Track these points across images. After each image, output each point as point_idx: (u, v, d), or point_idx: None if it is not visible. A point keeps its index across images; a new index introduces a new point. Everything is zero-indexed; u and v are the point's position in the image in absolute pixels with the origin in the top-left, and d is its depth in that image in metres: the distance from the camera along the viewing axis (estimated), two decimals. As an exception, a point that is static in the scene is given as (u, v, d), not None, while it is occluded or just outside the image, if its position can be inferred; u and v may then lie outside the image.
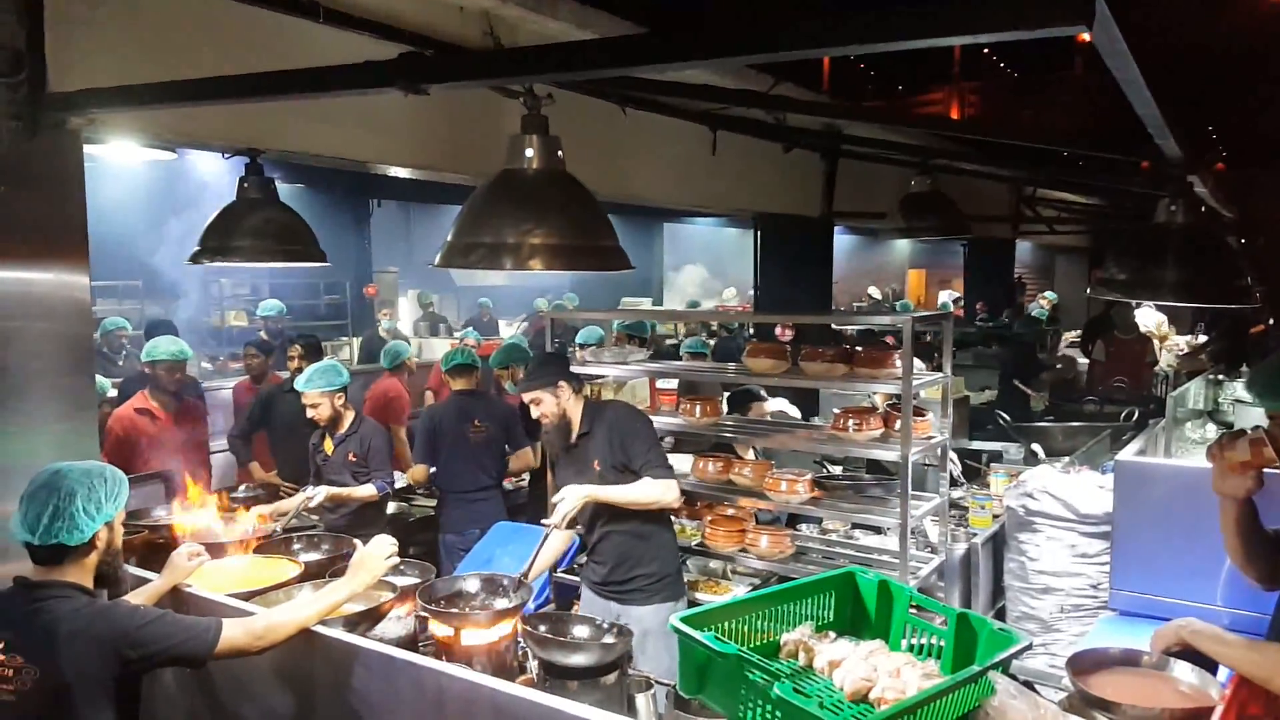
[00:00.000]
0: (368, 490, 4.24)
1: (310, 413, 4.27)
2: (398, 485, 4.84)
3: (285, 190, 4.19)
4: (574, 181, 2.53)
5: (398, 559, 2.50)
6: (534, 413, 3.35)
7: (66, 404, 3.17)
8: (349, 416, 4.36)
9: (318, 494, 3.98)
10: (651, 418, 3.58)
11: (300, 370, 4.89)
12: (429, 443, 4.84)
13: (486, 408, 5.06)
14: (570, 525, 3.26)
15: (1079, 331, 11.78)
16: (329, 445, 4.35)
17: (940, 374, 3.77)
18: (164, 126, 3.43)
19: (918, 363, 3.82)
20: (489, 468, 4.94)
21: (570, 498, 3.09)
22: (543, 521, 3.18)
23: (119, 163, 5.82)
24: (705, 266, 17.59)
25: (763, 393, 4.65)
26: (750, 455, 4.62)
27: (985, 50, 17.35)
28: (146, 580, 2.55)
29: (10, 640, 1.98)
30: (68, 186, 3.14)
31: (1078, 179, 8.73)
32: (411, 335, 11.94)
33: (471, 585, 2.83)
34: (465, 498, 4.80)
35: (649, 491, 3.20)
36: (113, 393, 5.36)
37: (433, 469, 4.84)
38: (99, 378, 4.85)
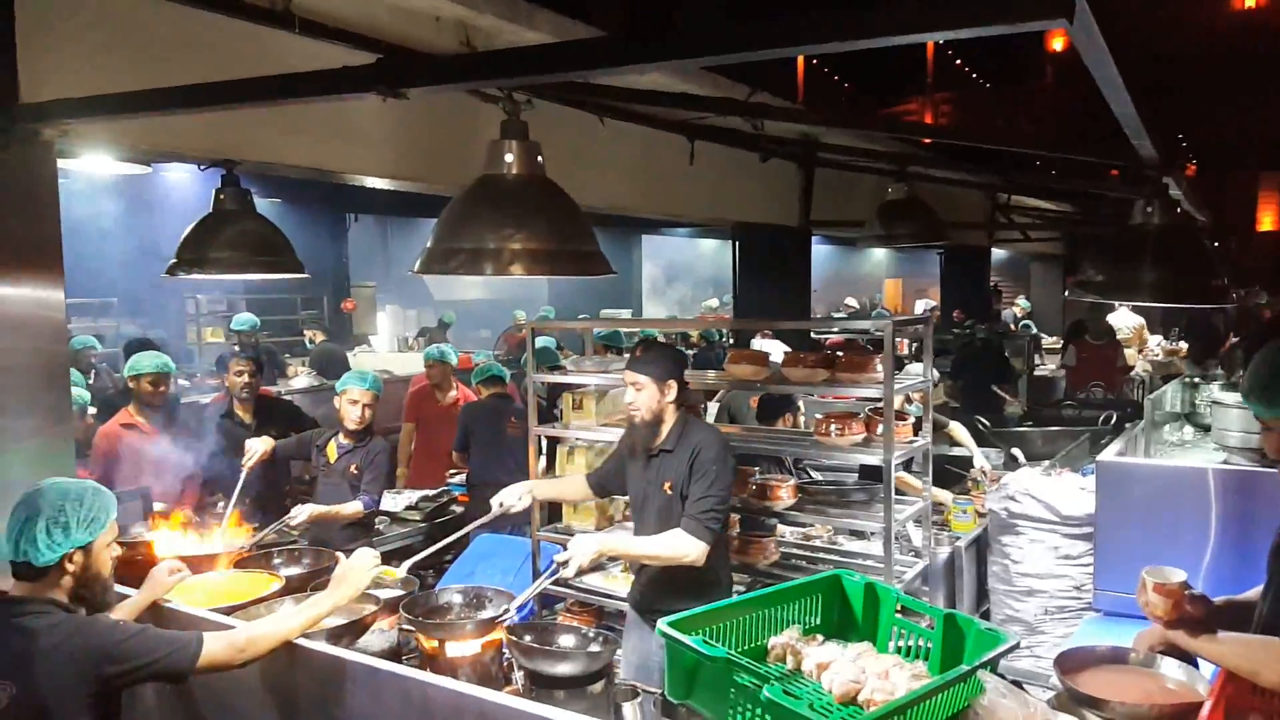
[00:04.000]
0: (353, 507, 4.12)
1: (350, 410, 4.14)
2: (384, 505, 4.71)
3: (261, 205, 4.11)
4: (554, 186, 2.52)
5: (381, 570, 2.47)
6: (628, 396, 3.03)
7: (41, 420, 3.12)
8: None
9: (300, 513, 3.87)
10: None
11: (250, 385, 4.85)
12: (465, 436, 5.29)
13: (520, 410, 5.28)
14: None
15: (1056, 338, 11.91)
16: (332, 452, 4.22)
17: (921, 378, 3.79)
18: (139, 138, 3.40)
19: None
20: (522, 463, 4.90)
21: (582, 552, 2.75)
22: (555, 557, 2.87)
23: (94, 179, 5.75)
24: (686, 277, 17.63)
25: (799, 403, 4.39)
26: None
27: (959, 61, 17.59)
28: (126, 596, 2.50)
29: None
30: (41, 200, 3.10)
31: (1051, 184, 8.85)
32: (392, 351, 11.87)
33: (455, 598, 2.79)
34: (501, 486, 4.63)
35: (669, 548, 2.86)
36: (92, 409, 5.27)
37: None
38: (78, 389, 4.78)
